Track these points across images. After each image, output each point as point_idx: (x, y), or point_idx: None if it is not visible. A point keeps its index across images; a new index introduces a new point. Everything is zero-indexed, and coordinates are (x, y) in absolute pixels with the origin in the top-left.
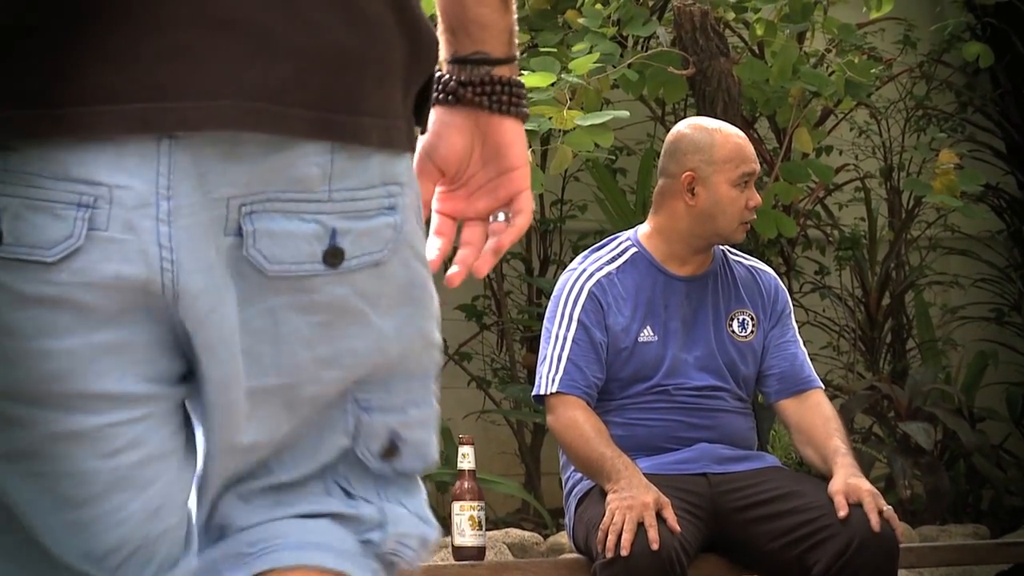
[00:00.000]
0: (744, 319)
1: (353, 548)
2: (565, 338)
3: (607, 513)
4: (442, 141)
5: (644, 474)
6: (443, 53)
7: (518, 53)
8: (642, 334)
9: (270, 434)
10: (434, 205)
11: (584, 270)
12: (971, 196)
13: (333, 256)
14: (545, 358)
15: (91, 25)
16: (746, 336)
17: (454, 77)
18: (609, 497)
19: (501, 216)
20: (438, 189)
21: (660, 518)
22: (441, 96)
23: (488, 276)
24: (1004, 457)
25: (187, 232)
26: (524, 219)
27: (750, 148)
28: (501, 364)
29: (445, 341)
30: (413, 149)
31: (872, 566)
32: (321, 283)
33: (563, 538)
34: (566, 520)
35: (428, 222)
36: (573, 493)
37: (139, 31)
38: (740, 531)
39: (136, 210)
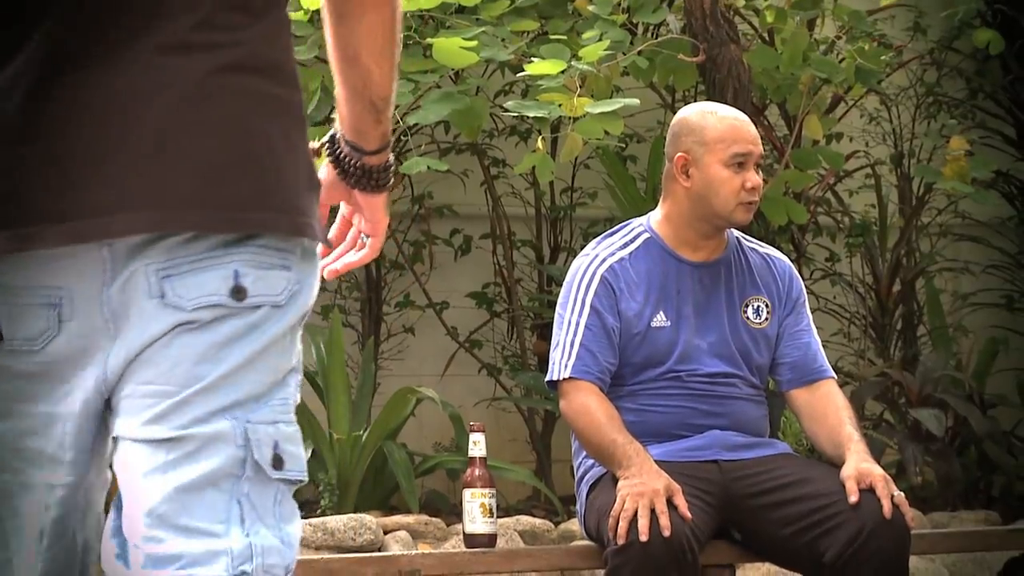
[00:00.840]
0: (759, 306)
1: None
2: (578, 324)
3: (618, 500)
4: (323, 190)
5: (655, 461)
6: (338, 129)
7: (389, 143)
8: (655, 319)
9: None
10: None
11: (597, 256)
12: (981, 182)
13: (236, 293)
14: (558, 344)
15: (37, 164)
16: (761, 323)
17: (336, 149)
18: (620, 484)
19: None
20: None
21: (671, 505)
22: (329, 155)
23: (498, 263)
24: (1015, 443)
25: (123, 305)
26: (371, 253)
27: (747, 130)
28: (512, 351)
29: (456, 329)
30: (313, 235)
31: (884, 552)
32: (225, 315)
33: (574, 525)
34: (578, 507)
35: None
36: (585, 480)
37: (75, 166)
38: (751, 518)
39: (89, 300)
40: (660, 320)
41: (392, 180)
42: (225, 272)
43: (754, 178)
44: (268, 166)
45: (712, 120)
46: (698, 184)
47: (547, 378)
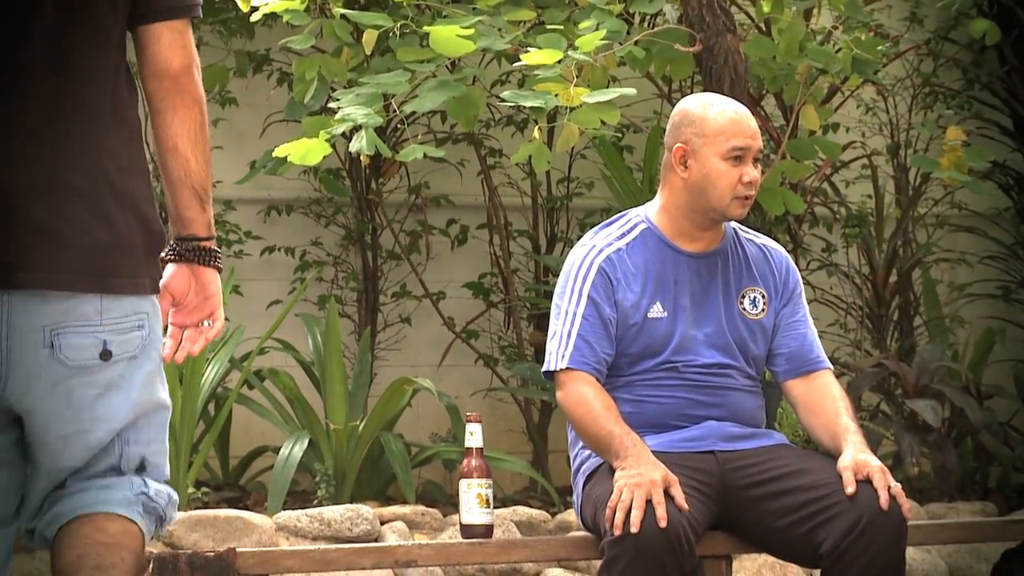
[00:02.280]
0: (756, 297)
1: (130, 499)
2: (575, 314)
3: (615, 490)
4: (172, 281)
5: (652, 452)
6: (172, 231)
7: (214, 231)
8: (652, 310)
9: (76, 460)
10: (169, 318)
11: (594, 246)
12: (978, 173)
13: (104, 355)
14: (555, 334)
15: None
16: (757, 314)
17: (176, 247)
18: (617, 474)
19: (206, 323)
20: (171, 309)
21: (668, 496)
22: (171, 256)
23: (495, 254)
24: (1012, 434)
25: (19, 347)
26: (217, 327)
27: (747, 124)
28: (508, 342)
29: (452, 319)
30: (156, 291)
31: (880, 543)
32: (99, 370)
33: (571, 516)
34: (574, 497)
35: (166, 328)
36: (581, 470)
37: None
38: (748, 509)
39: None
40: (657, 311)
41: (221, 263)
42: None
43: (751, 172)
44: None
45: (713, 112)
46: (695, 176)
47: (544, 368)
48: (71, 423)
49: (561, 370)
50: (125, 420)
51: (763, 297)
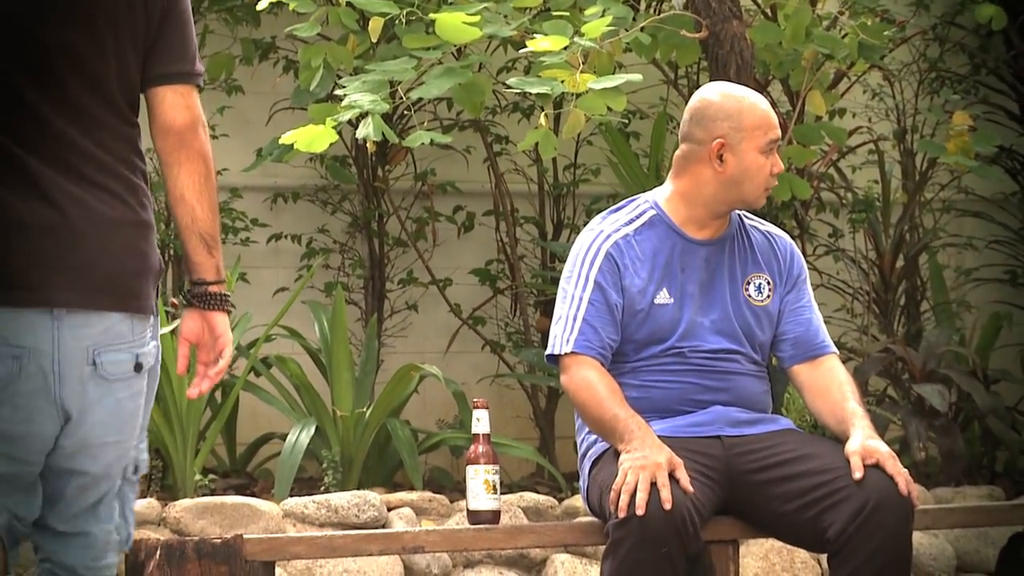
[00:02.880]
0: (761, 283)
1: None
2: (581, 299)
3: (620, 473)
4: (186, 326)
5: (658, 437)
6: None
7: (223, 275)
8: (658, 296)
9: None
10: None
11: (602, 231)
12: (985, 158)
13: (137, 368)
14: (560, 318)
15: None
16: (762, 300)
17: (189, 292)
18: (622, 457)
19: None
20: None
21: (673, 479)
22: (184, 302)
23: (501, 240)
24: (1019, 418)
25: (67, 363)
26: (225, 363)
27: (774, 115)
28: (515, 328)
29: (459, 306)
30: (157, 315)
31: (887, 528)
32: (135, 382)
33: (578, 501)
34: (580, 482)
35: (189, 367)
36: (588, 455)
37: (35, 256)
38: (754, 493)
39: (42, 356)
40: (663, 297)
41: (229, 305)
42: None
43: (779, 163)
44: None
45: (747, 105)
46: (733, 170)
47: (548, 351)
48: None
49: (565, 354)
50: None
51: (768, 283)
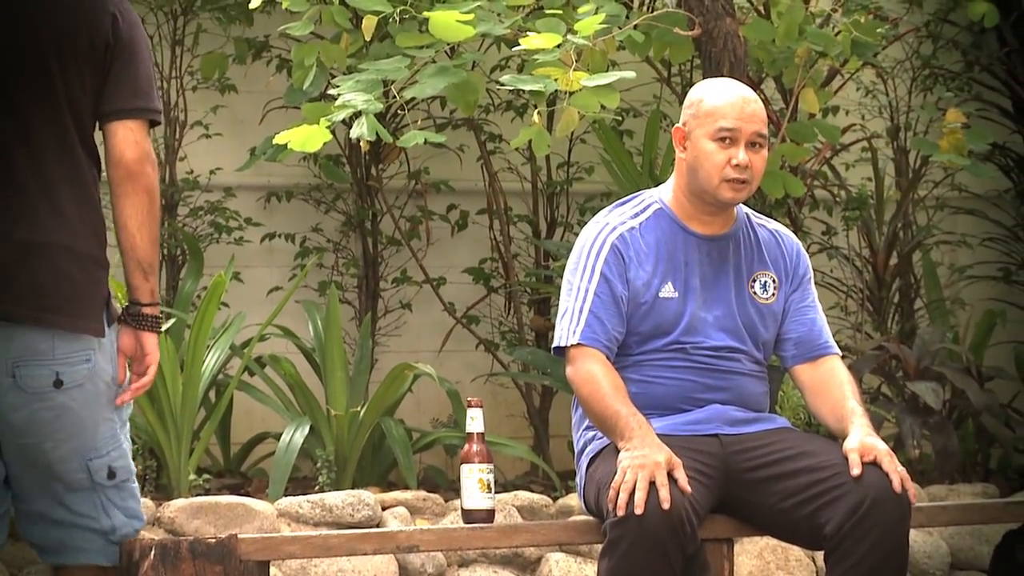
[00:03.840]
0: (766, 281)
1: (102, 546)
2: (587, 291)
3: (619, 471)
4: (121, 341)
5: (657, 435)
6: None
7: (158, 298)
8: (663, 290)
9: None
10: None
11: (608, 223)
12: (978, 155)
13: (56, 384)
14: (566, 311)
15: None
16: (767, 299)
17: (124, 311)
18: (621, 455)
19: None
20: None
21: (671, 479)
22: (120, 320)
23: (495, 239)
24: (1013, 416)
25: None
26: (148, 379)
27: (742, 107)
28: (509, 327)
29: (453, 304)
30: (102, 334)
31: (884, 525)
32: (53, 396)
33: (572, 500)
34: (577, 480)
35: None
36: (585, 453)
37: None
38: (751, 491)
39: None
40: (668, 291)
41: (160, 327)
42: None
43: (740, 156)
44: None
45: (709, 94)
46: (690, 157)
47: (554, 344)
48: (29, 436)
49: (572, 346)
50: (79, 437)
51: (773, 282)
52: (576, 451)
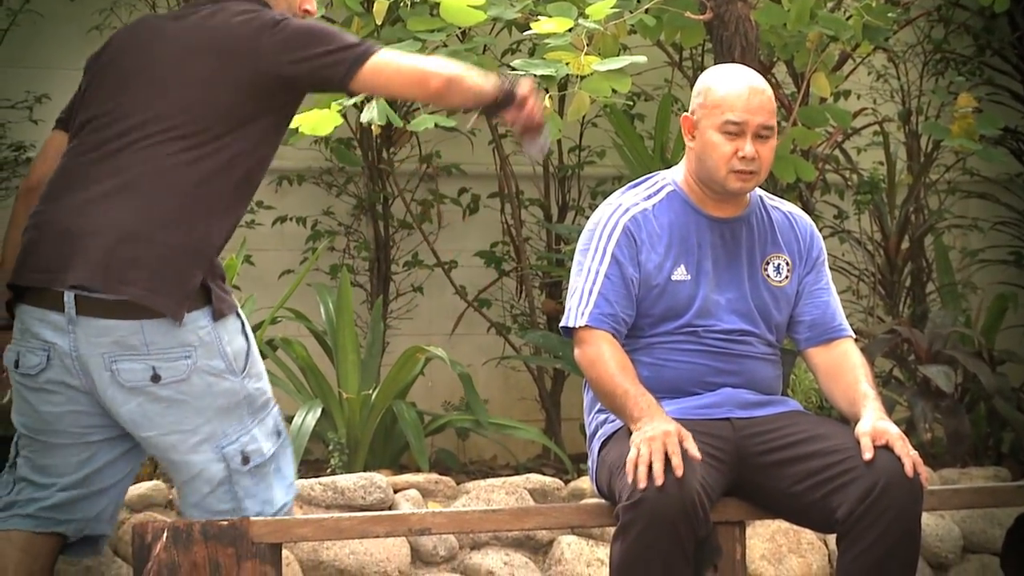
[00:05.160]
0: (780, 264)
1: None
2: (597, 272)
3: (632, 448)
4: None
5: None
6: None
7: None
8: (675, 272)
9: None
10: None
11: (620, 205)
12: (989, 139)
13: (153, 378)
14: (575, 291)
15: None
16: (781, 281)
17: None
18: (633, 436)
19: None
20: None
21: (682, 449)
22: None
23: (506, 222)
24: None
25: (89, 363)
26: None
27: (750, 98)
28: (520, 310)
29: (464, 288)
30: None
31: (896, 509)
32: (154, 389)
33: (584, 483)
34: (589, 463)
35: None
36: (597, 436)
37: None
38: (763, 474)
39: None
40: (680, 274)
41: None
42: None
43: (748, 148)
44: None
45: (718, 84)
46: (697, 147)
47: (563, 323)
48: (145, 429)
49: (580, 327)
50: (199, 426)
51: (787, 264)
52: (588, 434)
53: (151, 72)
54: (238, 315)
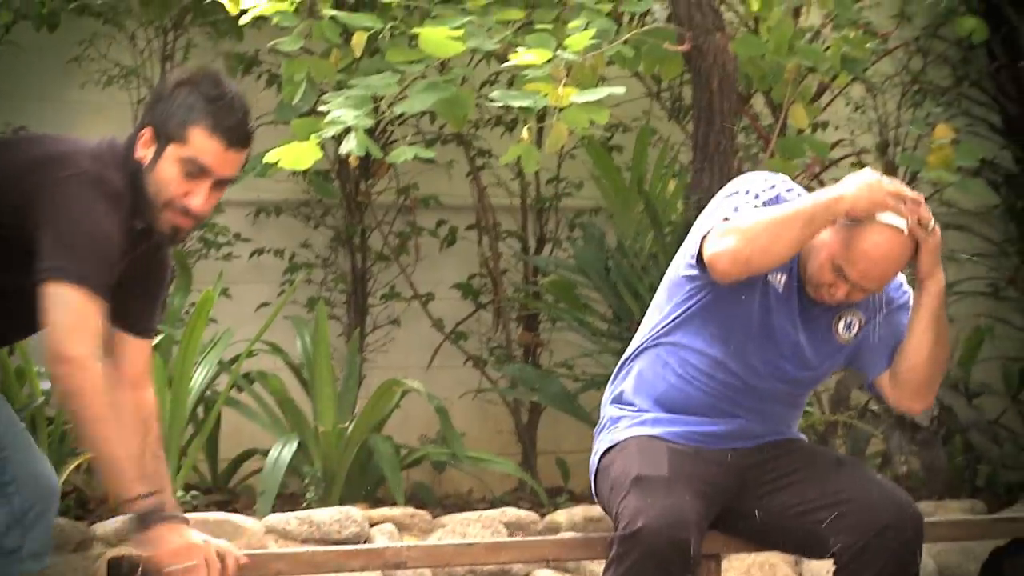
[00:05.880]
0: (852, 320)
1: None
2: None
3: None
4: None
5: (671, 440)
6: None
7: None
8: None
9: None
10: None
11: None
12: (967, 171)
13: None
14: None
15: None
16: (848, 338)
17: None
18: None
19: None
20: None
21: (675, 493)
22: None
23: (484, 254)
24: (1001, 432)
25: None
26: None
27: (879, 277)
28: (497, 343)
29: (442, 320)
30: None
31: (893, 550)
32: None
33: (560, 516)
34: (591, 459)
35: None
36: (604, 430)
37: None
38: (757, 501)
39: None
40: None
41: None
42: None
43: (837, 296)
44: None
45: (866, 245)
46: (807, 255)
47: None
48: None
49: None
50: None
51: (859, 321)
52: (599, 426)
53: None
54: None
